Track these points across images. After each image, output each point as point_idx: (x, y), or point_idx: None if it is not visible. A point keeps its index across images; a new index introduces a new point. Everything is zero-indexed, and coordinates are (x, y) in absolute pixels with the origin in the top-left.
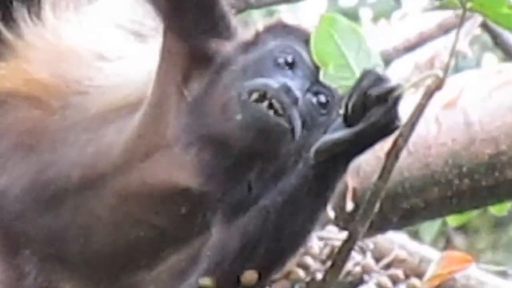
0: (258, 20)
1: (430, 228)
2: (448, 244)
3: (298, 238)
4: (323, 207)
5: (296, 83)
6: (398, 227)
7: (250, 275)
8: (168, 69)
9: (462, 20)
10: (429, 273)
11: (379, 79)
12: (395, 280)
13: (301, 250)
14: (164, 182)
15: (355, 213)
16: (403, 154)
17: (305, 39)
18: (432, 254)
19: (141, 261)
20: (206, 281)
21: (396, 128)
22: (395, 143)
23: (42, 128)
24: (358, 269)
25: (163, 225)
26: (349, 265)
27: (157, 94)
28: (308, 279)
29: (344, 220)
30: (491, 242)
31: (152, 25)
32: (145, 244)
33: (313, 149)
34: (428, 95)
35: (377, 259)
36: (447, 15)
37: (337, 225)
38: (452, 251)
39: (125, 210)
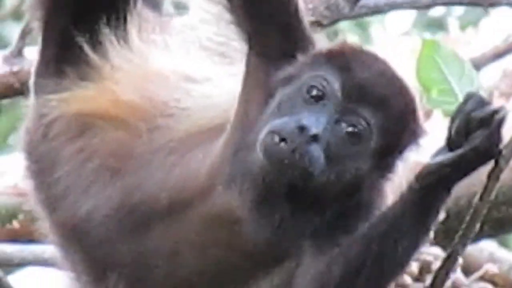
0: (348, 30)
1: None
2: None
3: (400, 264)
4: (427, 232)
5: (319, 118)
6: (489, 236)
7: None
8: (251, 91)
9: None
10: None
11: (482, 102)
12: None
13: (404, 271)
14: None
15: (445, 223)
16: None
17: (343, 67)
18: None
19: (227, 285)
20: None
21: (498, 150)
22: (496, 164)
23: (128, 151)
24: (448, 283)
25: (249, 249)
26: None
27: (240, 116)
28: None
29: (435, 232)
30: None
31: (238, 47)
32: (231, 269)
33: (417, 174)
34: None
35: (466, 271)
36: None
37: (438, 244)
38: None
39: (212, 234)
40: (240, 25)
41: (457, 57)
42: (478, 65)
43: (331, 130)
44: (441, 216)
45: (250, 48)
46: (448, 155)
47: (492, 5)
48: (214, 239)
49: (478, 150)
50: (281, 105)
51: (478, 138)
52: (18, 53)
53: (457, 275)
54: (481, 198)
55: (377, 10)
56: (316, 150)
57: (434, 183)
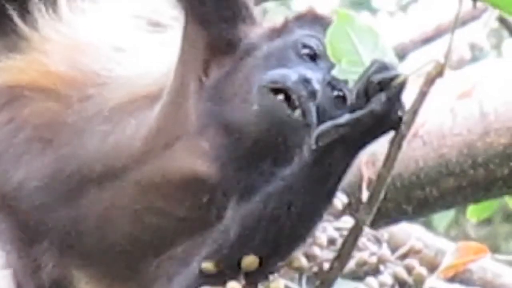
0: (274, 10)
1: (444, 217)
2: (462, 235)
3: (299, 226)
4: (327, 197)
5: (316, 76)
6: (412, 217)
7: (250, 260)
8: (189, 58)
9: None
10: (444, 264)
11: (385, 68)
12: (410, 270)
13: (307, 239)
14: (184, 171)
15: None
16: (418, 144)
17: None
18: (448, 246)
19: (157, 250)
20: (208, 265)
21: (399, 118)
22: (397, 131)
23: (59, 121)
24: (373, 259)
25: (183, 214)
26: (364, 255)
27: (177, 84)
28: (316, 269)
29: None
30: (505, 232)
31: (172, 15)
32: (163, 233)
33: (314, 134)
34: (429, 82)
35: (393, 250)
36: (465, 7)
37: (351, 215)
38: (467, 242)
39: (145, 200)
40: None
41: (370, 30)
42: (406, 50)
43: (322, 90)
44: (365, 195)
45: (187, 15)
46: (345, 116)
47: None
48: (148, 204)
49: (375, 113)
50: (271, 58)
51: (377, 101)
52: None
53: (383, 251)
54: (384, 165)
55: None
56: (313, 107)
57: (330, 145)
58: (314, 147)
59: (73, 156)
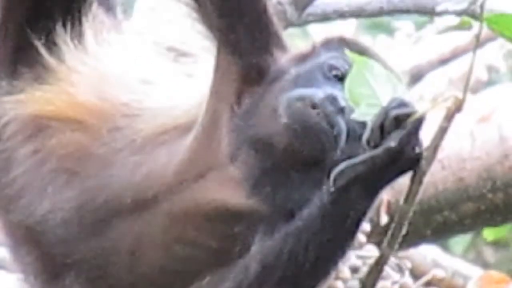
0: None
1: (461, 240)
2: (478, 257)
3: (318, 265)
4: (347, 236)
5: (343, 95)
6: (431, 240)
7: None
8: (221, 88)
9: (477, 40)
10: None
11: (402, 104)
12: None
13: (329, 276)
14: (215, 202)
15: (389, 227)
16: (437, 168)
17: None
18: (465, 268)
19: (185, 281)
20: None
21: (418, 155)
22: (418, 167)
23: (86, 152)
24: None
25: (213, 245)
26: (387, 284)
27: (210, 114)
28: None
29: (379, 234)
30: None
31: (202, 45)
32: (192, 265)
33: (331, 175)
34: (449, 117)
35: (414, 277)
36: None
37: (372, 240)
38: (489, 272)
39: (176, 231)
40: (208, 23)
41: (388, 76)
42: (423, 71)
43: (349, 109)
44: (384, 219)
45: (220, 45)
46: (360, 156)
47: (439, 14)
48: (179, 235)
49: (392, 151)
50: (299, 79)
51: (393, 138)
52: None
53: (405, 279)
54: (405, 201)
55: (325, 18)
56: (343, 122)
57: (347, 185)
58: (332, 188)
59: (101, 187)
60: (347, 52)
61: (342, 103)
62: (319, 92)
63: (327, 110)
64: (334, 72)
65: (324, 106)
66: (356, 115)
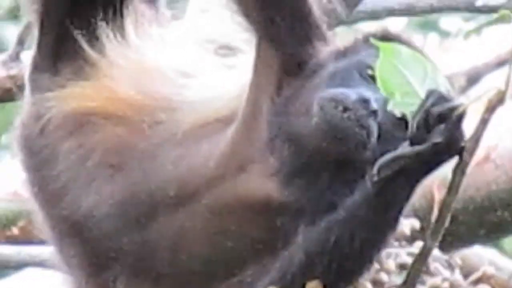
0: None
1: None
2: None
3: (362, 254)
4: (390, 225)
5: (377, 96)
6: (485, 240)
7: (313, 285)
8: (262, 80)
9: None
10: None
11: (442, 98)
12: None
13: (371, 266)
14: (258, 193)
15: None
16: (490, 168)
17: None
18: None
19: (229, 273)
20: None
21: (461, 147)
22: (461, 158)
23: (129, 146)
24: (446, 284)
25: (256, 237)
26: (437, 281)
27: (251, 106)
28: None
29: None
30: None
31: (242, 37)
32: (235, 256)
33: (375, 166)
34: (490, 109)
35: (466, 275)
36: None
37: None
38: None
39: (218, 223)
40: (248, 15)
41: (417, 58)
42: (480, 73)
43: (384, 111)
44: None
45: (260, 37)
46: (406, 148)
47: (492, 11)
48: (221, 227)
49: (439, 145)
50: (335, 77)
51: (438, 133)
52: (16, 57)
53: (456, 276)
54: (448, 193)
55: (375, 16)
56: (375, 125)
57: (392, 176)
58: (375, 178)
59: (144, 181)
60: (372, 39)
61: (374, 105)
62: (352, 94)
63: (359, 113)
64: (370, 72)
65: (356, 109)
66: (392, 106)
